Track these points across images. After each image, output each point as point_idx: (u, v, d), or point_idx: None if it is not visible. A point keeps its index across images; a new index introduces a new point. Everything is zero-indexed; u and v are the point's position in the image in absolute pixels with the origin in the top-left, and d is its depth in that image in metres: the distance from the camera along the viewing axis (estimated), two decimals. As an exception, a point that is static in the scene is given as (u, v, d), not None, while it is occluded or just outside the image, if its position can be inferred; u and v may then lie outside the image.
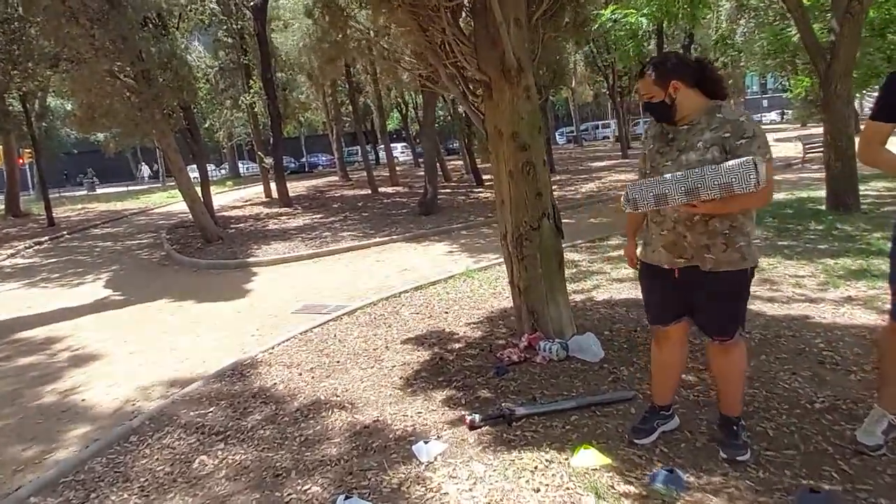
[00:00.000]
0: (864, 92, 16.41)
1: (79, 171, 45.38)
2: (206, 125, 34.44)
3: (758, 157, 2.59)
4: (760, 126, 2.79)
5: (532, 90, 4.60)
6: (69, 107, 17.74)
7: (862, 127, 3.07)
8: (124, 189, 38.06)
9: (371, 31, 6.41)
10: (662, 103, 2.88)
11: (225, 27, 19.75)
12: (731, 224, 2.81)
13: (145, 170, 43.73)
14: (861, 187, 9.89)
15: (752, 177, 2.53)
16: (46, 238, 16.84)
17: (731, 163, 2.62)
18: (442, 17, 4.66)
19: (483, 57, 4.61)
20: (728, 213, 2.77)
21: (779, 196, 11.22)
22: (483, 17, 4.51)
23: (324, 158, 46.35)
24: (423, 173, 17.97)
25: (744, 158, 2.59)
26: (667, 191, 2.71)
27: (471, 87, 5.14)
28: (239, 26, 19.50)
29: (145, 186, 38.34)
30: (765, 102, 60.97)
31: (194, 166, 15.96)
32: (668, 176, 2.76)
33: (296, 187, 24.73)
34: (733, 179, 2.57)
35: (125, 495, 3.49)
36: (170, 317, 8.00)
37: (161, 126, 12.41)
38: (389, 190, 22.18)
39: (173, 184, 17.41)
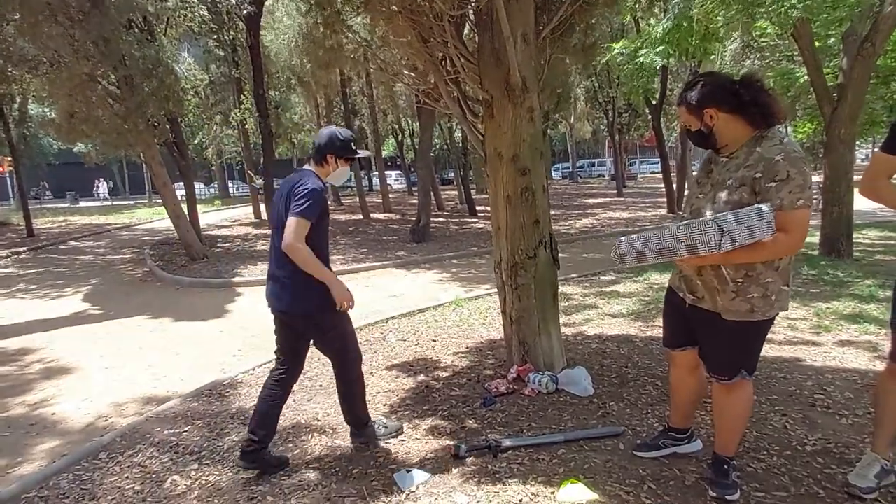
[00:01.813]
0: (860, 143, 16.30)
1: (64, 182, 44.86)
2: (196, 141, 34.12)
3: (764, 206, 2.43)
4: (804, 163, 2.49)
5: (536, 112, 4.45)
6: (50, 114, 17.01)
7: (857, 178, 2.97)
8: (109, 203, 37.79)
9: (368, 42, 6.28)
10: (699, 132, 2.74)
11: (216, 37, 19.19)
12: (746, 273, 2.64)
13: (103, 186, 42.84)
14: (854, 235, 9.83)
15: (713, 237, 2.39)
16: (25, 248, 16.48)
17: (698, 221, 2.49)
18: (445, 29, 4.52)
19: (486, 74, 4.46)
20: (744, 262, 2.61)
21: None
22: (489, 31, 4.36)
23: (315, 181, 46.14)
24: (415, 201, 17.82)
25: (711, 217, 2.48)
26: (669, 245, 2.57)
27: (470, 106, 4.99)
28: (231, 37, 18.99)
29: (101, 204, 37.73)
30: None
31: (181, 183, 15.64)
32: (644, 234, 2.67)
33: (286, 209, 24.38)
34: (697, 240, 2.45)
35: (89, 514, 3.29)
36: (149, 333, 7.76)
37: (145, 137, 12.00)
38: (381, 216, 22.05)
39: (160, 200, 17.06)
